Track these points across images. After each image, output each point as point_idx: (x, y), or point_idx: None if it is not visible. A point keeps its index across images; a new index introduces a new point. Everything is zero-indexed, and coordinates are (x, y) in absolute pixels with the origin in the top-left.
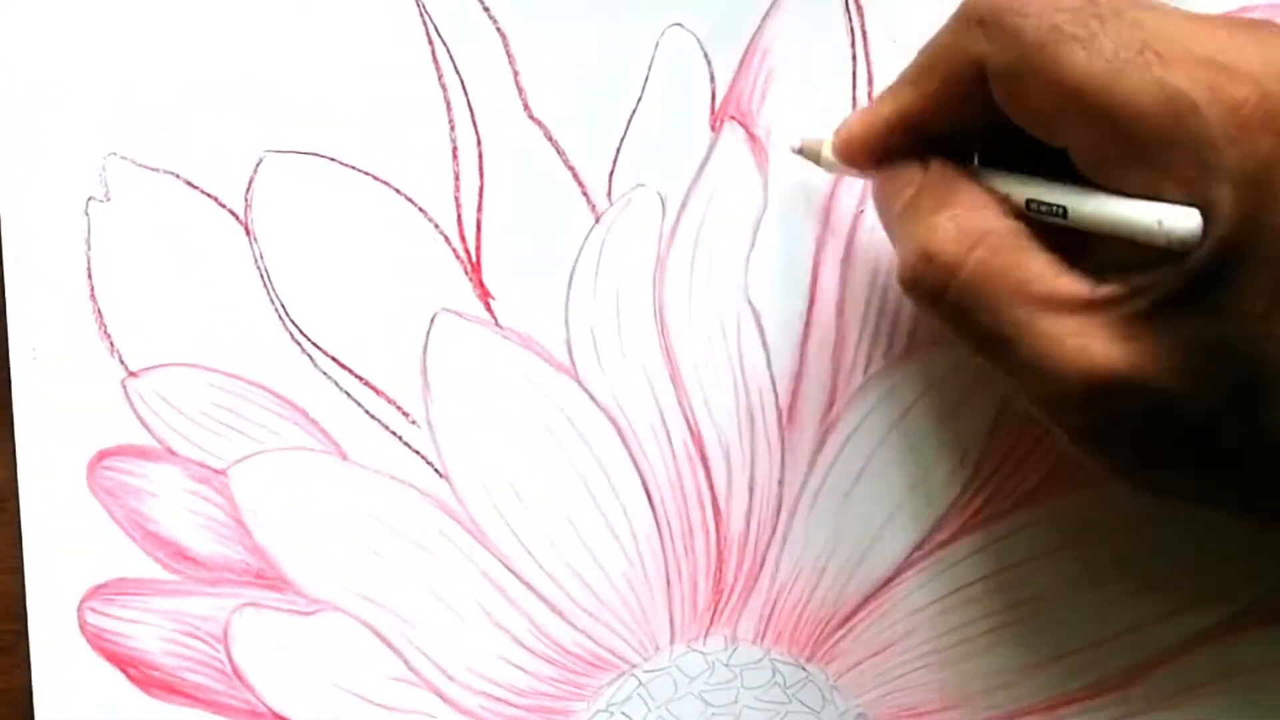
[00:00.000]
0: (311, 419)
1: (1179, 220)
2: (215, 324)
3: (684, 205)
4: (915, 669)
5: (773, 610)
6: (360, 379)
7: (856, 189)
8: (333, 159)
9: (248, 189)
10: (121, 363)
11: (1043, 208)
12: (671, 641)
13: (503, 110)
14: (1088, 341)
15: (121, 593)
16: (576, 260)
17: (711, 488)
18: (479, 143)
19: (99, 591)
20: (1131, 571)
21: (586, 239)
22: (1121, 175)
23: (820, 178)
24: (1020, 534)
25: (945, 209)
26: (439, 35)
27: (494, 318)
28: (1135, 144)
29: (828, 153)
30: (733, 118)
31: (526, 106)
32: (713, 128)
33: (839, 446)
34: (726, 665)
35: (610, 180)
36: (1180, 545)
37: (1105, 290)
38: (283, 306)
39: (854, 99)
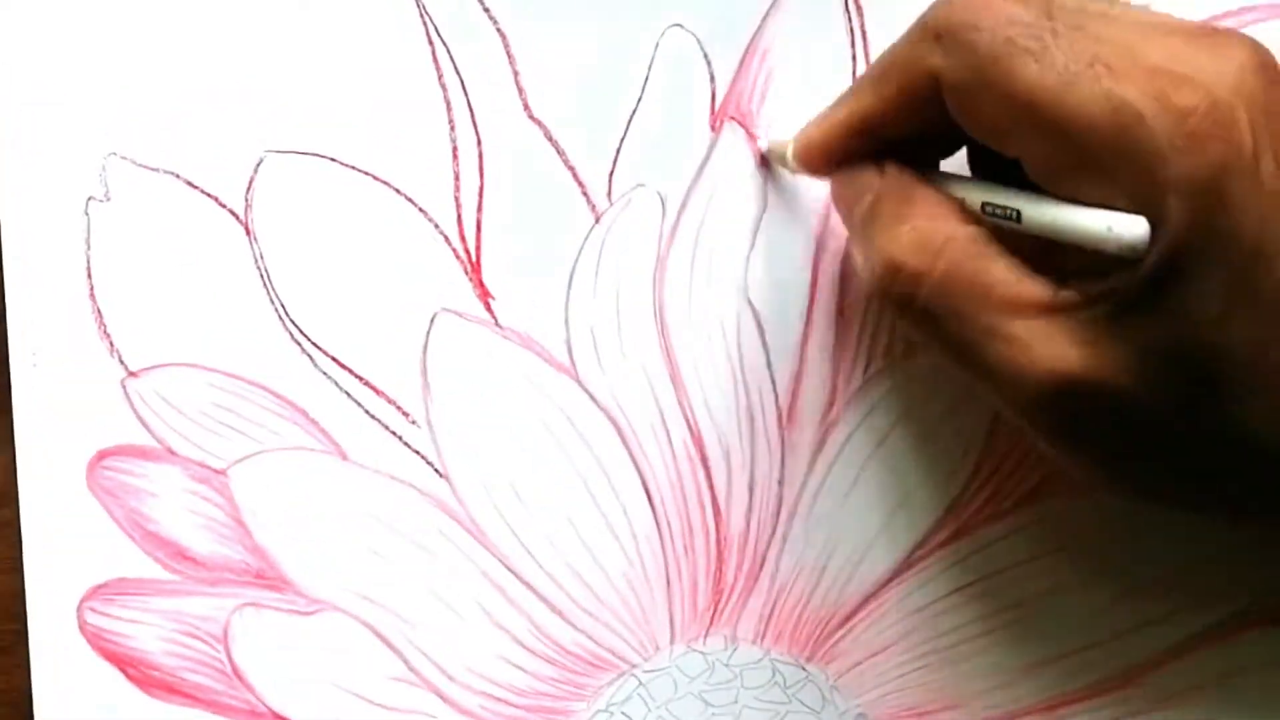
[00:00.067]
0: (311, 419)
1: (1127, 227)
2: (215, 324)
3: (684, 205)
4: (915, 669)
5: (773, 610)
6: (360, 379)
7: None
8: (333, 159)
9: (248, 189)
10: (121, 363)
11: (998, 211)
12: (671, 641)
13: (503, 110)
14: (1050, 345)
15: (121, 593)
16: (576, 260)
17: (711, 488)
18: (479, 143)
19: (99, 591)
20: (1131, 572)
21: (586, 239)
22: (1073, 186)
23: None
24: (1020, 534)
25: (906, 218)
26: (439, 35)
27: (494, 318)
28: (1085, 156)
29: (789, 155)
30: (733, 118)
31: (526, 106)
32: (713, 128)
33: (839, 446)
34: (726, 665)
35: (610, 180)
36: (1179, 545)
37: (1065, 295)
38: (283, 306)
39: None
